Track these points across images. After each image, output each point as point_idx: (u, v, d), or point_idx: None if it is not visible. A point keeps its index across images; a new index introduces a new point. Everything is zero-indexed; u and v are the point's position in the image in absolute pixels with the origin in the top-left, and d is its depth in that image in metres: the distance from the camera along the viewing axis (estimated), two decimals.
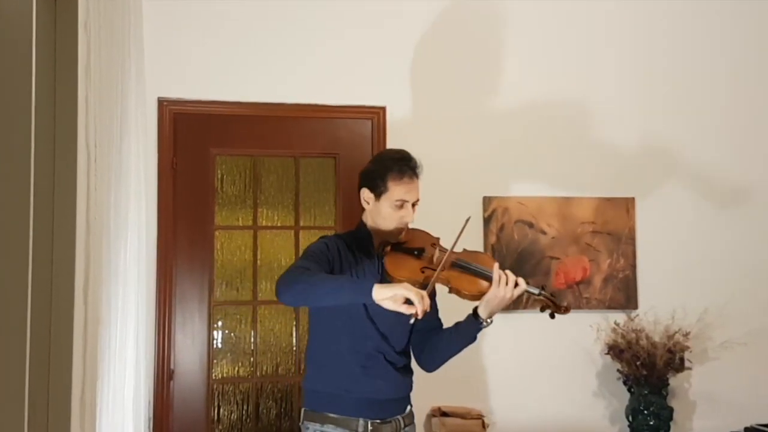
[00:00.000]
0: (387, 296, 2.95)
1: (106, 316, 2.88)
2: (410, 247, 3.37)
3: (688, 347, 4.63)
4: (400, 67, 4.79)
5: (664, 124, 5.01)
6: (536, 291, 3.40)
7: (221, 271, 4.63)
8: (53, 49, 2.48)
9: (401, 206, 3.31)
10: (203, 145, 4.61)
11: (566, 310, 3.41)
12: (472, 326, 3.37)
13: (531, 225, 4.79)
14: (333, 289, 3.07)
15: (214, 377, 4.56)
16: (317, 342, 3.39)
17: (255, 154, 4.70)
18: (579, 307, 4.77)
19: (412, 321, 3.01)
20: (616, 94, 4.98)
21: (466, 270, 3.35)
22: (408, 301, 2.95)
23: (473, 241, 4.63)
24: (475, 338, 3.43)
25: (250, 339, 4.65)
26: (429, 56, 4.83)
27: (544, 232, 4.80)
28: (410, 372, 3.47)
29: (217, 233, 4.63)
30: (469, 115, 4.81)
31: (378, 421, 3.28)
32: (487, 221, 4.74)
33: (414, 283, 3.15)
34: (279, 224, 4.73)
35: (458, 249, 3.36)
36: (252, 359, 4.65)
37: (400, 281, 3.20)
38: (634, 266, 4.86)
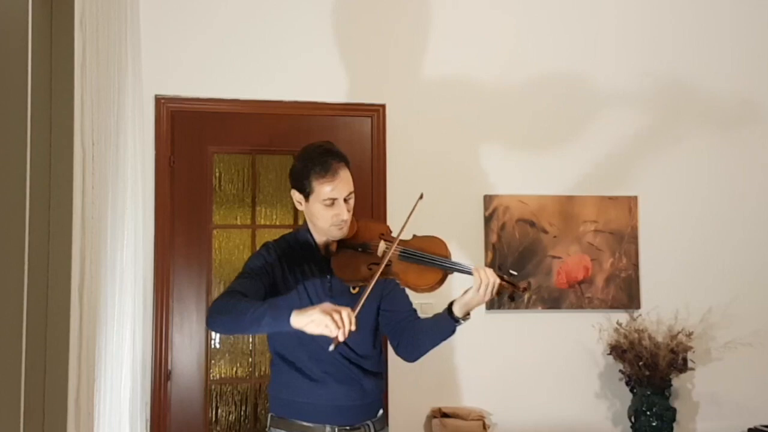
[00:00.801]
0: (304, 323, 2.80)
1: (103, 316, 2.88)
2: (355, 242, 3.21)
3: (691, 347, 4.63)
4: (400, 64, 4.79)
5: (667, 123, 5.01)
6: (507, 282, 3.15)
7: (219, 270, 4.63)
8: (49, 46, 2.48)
9: (332, 204, 3.14)
10: (201, 143, 4.61)
11: (525, 290, 3.14)
12: (447, 324, 3.17)
13: (532, 224, 4.79)
14: (254, 319, 2.89)
15: (211, 378, 4.57)
16: (276, 350, 3.29)
17: (253, 152, 4.71)
18: (581, 307, 4.78)
19: (331, 348, 2.81)
20: (620, 91, 4.98)
21: (415, 260, 3.12)
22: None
23: (474, 240, 4.65)
24: (453, 332, 3.21)
25: (248, 339, 4.65)
26: (429, 53, 4.83)
27: (545, 231, 4.80)
28: (379, 374, 3.35)
29: (215, 232, 4.64)
30: (470, 113, 4.81)
31: (347, 427, 3.20)
32: (488, 220, 4.74)
33: (363, 281, 3.09)
34: (277, 223, 4.73)
35: (407, 236, 3.19)
36: (250, 359, 4.65)
37: (348, 280, 3.14)
38: (636, 265, 4.86)
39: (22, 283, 2.21)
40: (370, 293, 2.97)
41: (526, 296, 4.69)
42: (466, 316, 3.14)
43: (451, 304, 3.17)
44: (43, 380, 2.40)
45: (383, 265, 3.03)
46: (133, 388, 3.52)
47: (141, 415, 3.80)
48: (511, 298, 3.18)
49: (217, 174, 4.67)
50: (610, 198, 4.87)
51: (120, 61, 3.20)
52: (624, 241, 4.86)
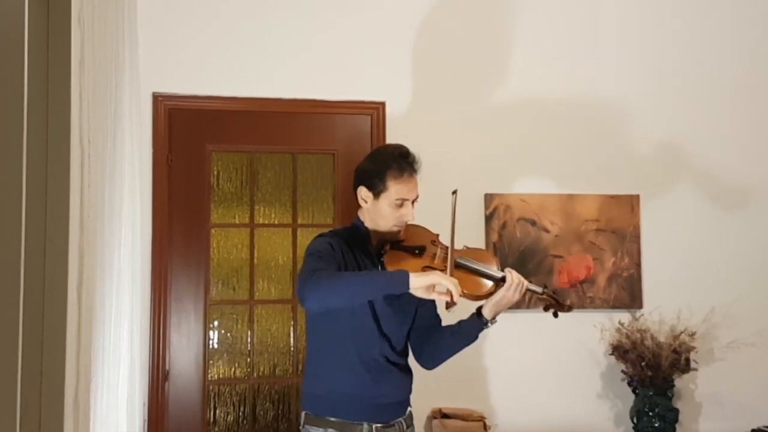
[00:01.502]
0: (424, 284, 3.01)
1: (100, 316, 2.88)
2: (410, 245, 3.36)
3: (694, 348, 4.63)
4: (400, 61, 4.79)
5: (671, 120, 5.01)
6: (539, 290, 3.44)
7: (217, 269, 4.64)
8: (46, 43, 2.48)
9: (401, 205, 3.29)
10: (199, 141, 4.61)
11: (569, 309, 3.47)
12: (475, 326, 3.39)
13: (534, 223, 4.79)
14: (365, 284, 3.11)
15: (210, 378, 4.57)
16: (318, 346, 3.37)
17: (252, 150, 4.71)
18: (583, 307, 4.78)
19: (447, 309, 3.07)
20: (622, 89, 4.99)
21: (470, 270, 3.35)
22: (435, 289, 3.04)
23: (474, 239, 4.64)
24: (477, 337, 3.44)
25: (246, 339, 4.65)
26: (430, 50, 4.83)
27: (547, 230, 4.81)
28: (410, 372, 3.48)
29: (213, 231, 4.64)
30: (470, 111, 4.82)
31: (381, 425, 3.29)
32: (488, 219, 4.74)
33: None
34: (276, 222, 4.74)
35: (458, 245, 3.37)
36: (249, 360, 4.65)
37: None
38: (638, 265, 4.87)
39: (18, 282, 2.21)
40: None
41: (528, 297, 4.69)
42: (494, 319, 3.37)
43: (479, 309, 3.38)
44: (40, 380, 2.40)
45: (450, 268, 3.23)
46: (131, 388, 3.53)
47: (138, 416, 3.80)
48: (555, 315, 3.49)
49: (215, 172, 4.67)
50: (612, 196, 4.87)
51: (117, 58, 3.20)
52: (626, 240, 4.86)
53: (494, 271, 3.36)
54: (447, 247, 3.30)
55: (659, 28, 5.07)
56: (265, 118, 4.69)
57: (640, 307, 4.83)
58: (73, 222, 2.47)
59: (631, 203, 4.89)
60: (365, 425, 3.25)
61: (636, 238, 4.88)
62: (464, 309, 3.40)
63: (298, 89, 4.67)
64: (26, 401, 2.28)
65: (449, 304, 3.03)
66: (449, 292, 3.01)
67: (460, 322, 3.44)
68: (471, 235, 4.65)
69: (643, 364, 4.56)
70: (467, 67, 4.86)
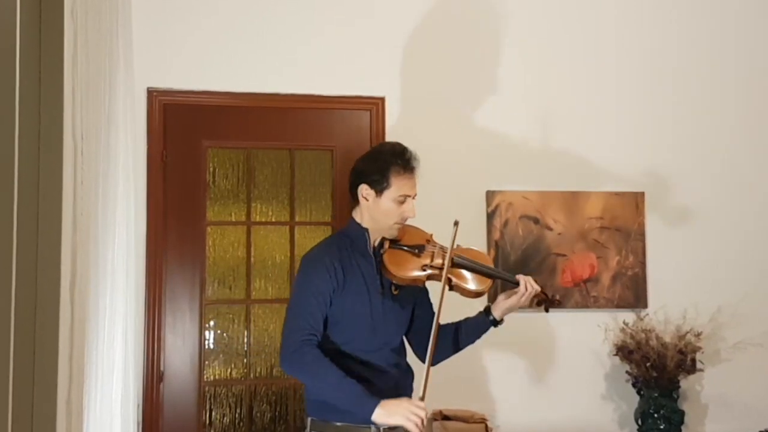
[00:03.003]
0: (392, 422, 3.19)
1: (93, 316, 2.88)
2: (409, 244, 3.44)
3: (700, 348, 4.63)
4: (399, 56, 4.79)
5: (675, 115, 5.01)
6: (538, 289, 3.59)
7: (213, 268, 4.64)
8: (38, 37, 2.48)
9: (403, 201, 3.38)
10: (194, 138, 4.61)
11: (559, 303, 3.69)
12: (483, 326, 3.54)
13: (536, 220, 4.79)
14: (334, 390, 3.24)
15: (205, 379, 4.57)
16: (326, 347, 3.40)
17: (248, 146, 4.71)
18: (586, 306, 4.78)
19: None
20: (625, 84, 4.99)
21: (469, 268, 3.46)
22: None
23: (476, 237, 4.64)
24: (479, 337, 3.58)
25: (243, 339, 4.65)
26: (430, 45, 4.83)
27: (549, 228, 4.81)
28: (411, 371, 3.54)
29: (209, 229, 4.64)
30: (471, 106, 4.81)
31: (388, 426, 3.31)
32: (490, 216, 4.74)
33: (417, 281, 3.40)
34: (273, 220, 4.74)
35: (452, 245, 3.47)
36: (245, 360, 4.65)
37: (401, 279, 3.38)
38: (643, 263, 4.87)
39: (9, 282, 2.21)
40: (440, 302, 3.34)
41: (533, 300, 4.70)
42: (501, 320, 3.54)
43: (487, 308, 3.54)
44: (32, 381, 2.40)
45: (446, 267, 3.36)
46: (125, 389, 3.52)
47: (132, 418, 3.80)
48: (546, 309, 3.68)
49: (211, 169, 4.67)
50: (617, 193, 4.87)
51: (111, 52, 3.20)
52: (631, 238, 4.86)
53: (488, 267, 3.52)
54: (443, 247, 3.41)
55: (661, 21, 5.06)
56: (263, 114, 4.68)
57: (645, 306, 4.83)
58: (65, 220, 2.46)
59: (636, 200, 4.88)
60: (372, 428, 3.28)
61: (641, 236, 4.88)
62: (467, 307, 3.45)
63: (295, 84, 4.67)
64: (18, 403, 2.28)
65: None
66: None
67: (465, 321, 3.56)
68: (472, 233, 4.63)
69: (648, 364, 4.56)
70: (468, 61, 4.85)
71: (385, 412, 3.15)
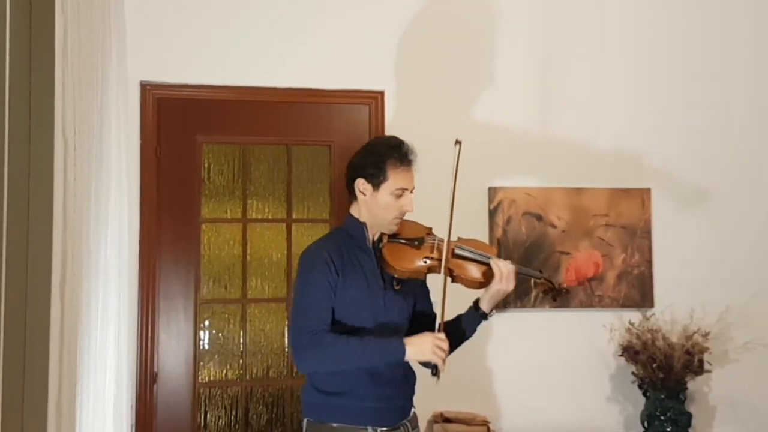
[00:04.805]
0: (423, 358, 3.29)
1: (85, 316, 2.89)
2: (408, 237, 3.47)
3: (707, 348, 4.63)
4: (399, 48, 4.79)
5: (682, 110, 5.01)
6: (538, 275, 3.66)
7: (208, 267, 4.64)
8: (28, 30, 2.48)
9: (401, 195, 3.40)
10: (189, 133, 4.61)
11: (567, 292, 3.72)
12: (474, 320, 3.53)
13: (539, 217, 4.80)
14: (362, 354, 3.26)
15: (200, 380, 4.57)
16: None
17: (244, 142, 4.70)
18: (591, 306, 4.79)
19: (437, 379, 3.29)
20: (630, 77, 4.99)
21: (469, 258, 3.49)
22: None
23: (478, 234, 4.62)
24: (475, 331, 3.56)
25: (239, 339, 4.66)
26: (430, 37, 4.82)
27: (553, 225, 4.81)
28: (411, 373, 3.53)
29: (203, 226, 4.64)
30: (472, 100, 4.81)
31: (386, 428, 3.36)
32: (492, 213, 4.75)
33: (418, 274, 3.42)
34: (270, 217, 4.74)
35: (456, 238, 3.51)
36: (241, 361, 4.66)
37: (402, 272, 3.41)
38: (649, 262, 4.87)
39: None
40: (445, 298, 3.33)
41: (535, 295, 4.70)
42: (492, 311, 3.51)
43: (476, 302, 3.52)
44: (22, 383, 2.40)
45: (444, 259, 3.37)
46: (118, 391, 3.53)
47: (125, 420, 3.81)
48: (554, 298, 3.70)
49: (206, 165, 4.67)
50: (622, 190, 4.88)
51: (104, 45, 3.20)
52: (636, 236, 4.87)
53: (491, 257, 3.50)
54: (443, 239, 3.42)
55: (668, 17, 5.06)
56: (259, 108, 4.68)
57: (651, 306, 4.84)
58: (56, 217, 2.47)
59: (641, 197, 4.89)
60: (369, 429, 3.32)
61: (647, 233, 4.88)
62: (469, 297, 3.51)
63: (292, 78, 4.67)
64: (8, 406, 2.29)
65: (437, 373, 3.28)
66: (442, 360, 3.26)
67: (459, 317, 3.54)
68: (474, 230, 4.60)
69: (654, 365, 4.56)
70: (469, 55, 4.85)
71: (416, 350, 3.25)
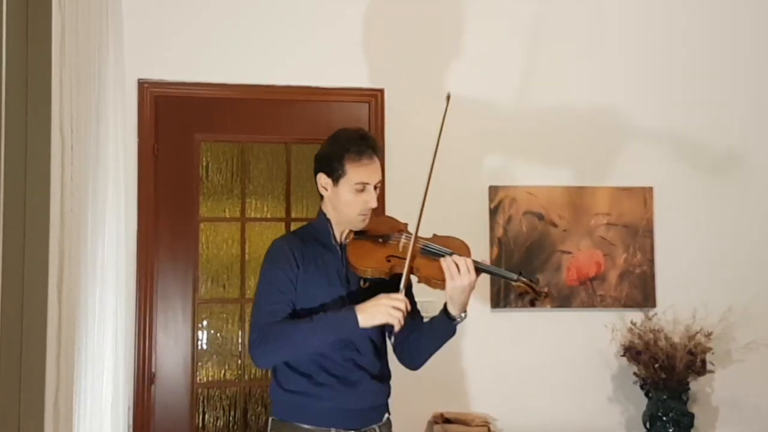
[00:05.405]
0: (377, 322, 3.11)
1: (83, 316, 2.89)
2: (374, 234, 3.33)
3: (710, 349, 4.63)
4: (399, 46, 4.78)
5: (684, 108, 5.00)
6: (513, 276, 3.34)
7: (206, 266, 4.64)
8: (25, 28, 2.49)
9: (362, 189, 3.25)
10: (187, 131, 4.61)
11: (547, 296, 3.37)
12: (445, 324, 3.30)
13: (541, 217, 4.79)
14: (314, 334, 3.15)
15: (198, 381, 4.58)
16: None
17: (243, 140, 4.71)
18: (593, 306, 4.79)
19: (397, 329, 3.12)
20: (632, 76, 4.98)
21: (436, 256, 3.25)
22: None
23: (478, 234, 4.64)
24: (455, 332, 3.35)
25: (237, 339, 4.66)
26: (432, 35, 4.82)
27: (554, 225, 4.81)
28: (386, 377, 3.44)
29: (202, 226, 4.64)
30: (473, 99, 4.81)
31: (352, 431, 3.27)
32: (493, 213, 4.74)
33: (379, 273, 3.24)
34: (268, 216, 4.74)
35: (428, 234, 3.34)
36: (240, 361, 4.66)
37: (363, 270, 3.25)
38: (651, 261, 4.87)
39: None
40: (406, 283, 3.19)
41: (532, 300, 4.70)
42: (462, 313, 3.27)
43: (446, 304, 3.29)
44: (19, 383, 2.41)
45: (409, 257, 3.18)
46: (115, 391, 3.54)
47: (123, 421, 3.82)
48: (532, 303, 3.40)
49: (205, 163, 4.67)
50: (624, 189, 4.87)
51: (101, 42, 3.21)
52: (638, 235, 4.87)
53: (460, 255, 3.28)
54: (412, 235, 3.25)
55: (669, 14, 5.05)
56: (258, 107, 4.68)
57: (654, 305, 4.84)
58: (53, 216, 2.47)
59: (643, 196, 4.89)
60: (333, 430, 3.24)
61: (649, 232, 4.88)
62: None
63: (292, 75, 4.67)
64: (4, 407, 2.29)
65: (399, 327, 3.12)
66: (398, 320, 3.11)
67: (432, 319, 3.36)
68: (474, 229, 4.63)
69: (656, 366, 4.56)
70: (470, 53, 4.84)
71: (368, 316, 3.11)
